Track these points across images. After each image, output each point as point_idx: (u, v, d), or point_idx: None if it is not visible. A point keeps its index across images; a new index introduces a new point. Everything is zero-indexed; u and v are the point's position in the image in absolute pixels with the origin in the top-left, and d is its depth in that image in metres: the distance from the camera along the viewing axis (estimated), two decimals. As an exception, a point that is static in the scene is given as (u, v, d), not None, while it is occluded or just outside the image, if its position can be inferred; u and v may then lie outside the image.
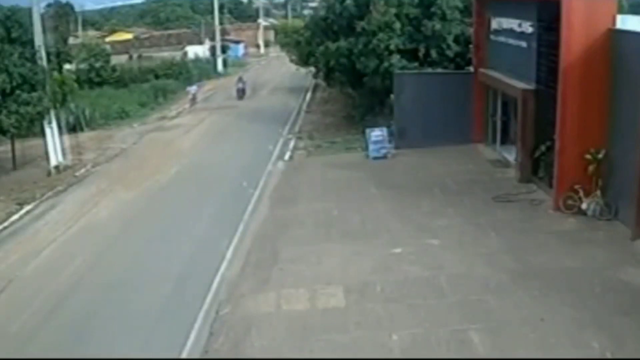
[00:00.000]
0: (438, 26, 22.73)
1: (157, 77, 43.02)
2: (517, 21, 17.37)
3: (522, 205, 15.09)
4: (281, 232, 14.70)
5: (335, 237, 14.00)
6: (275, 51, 65.79)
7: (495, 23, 19.35)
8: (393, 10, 22.83)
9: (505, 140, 19.57)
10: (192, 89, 37.83)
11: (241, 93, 38.05)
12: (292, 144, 24.49)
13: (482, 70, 20.19)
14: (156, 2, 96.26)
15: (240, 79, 39.38)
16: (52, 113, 22.38)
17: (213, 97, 40.41)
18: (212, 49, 56.29)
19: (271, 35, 77.45)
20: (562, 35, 13.70)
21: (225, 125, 29.60)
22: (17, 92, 20.70)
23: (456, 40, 23.06)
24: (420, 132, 20.71)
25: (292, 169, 20.69)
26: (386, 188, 17.24)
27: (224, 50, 57.51)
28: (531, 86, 16.29)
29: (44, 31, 22.33)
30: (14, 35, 21.26)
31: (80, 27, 64.86)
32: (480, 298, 10.63)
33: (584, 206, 13.84)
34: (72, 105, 26.58)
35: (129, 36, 63.74)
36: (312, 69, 29.94)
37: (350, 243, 13.50)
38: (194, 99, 37.12)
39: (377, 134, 20.79)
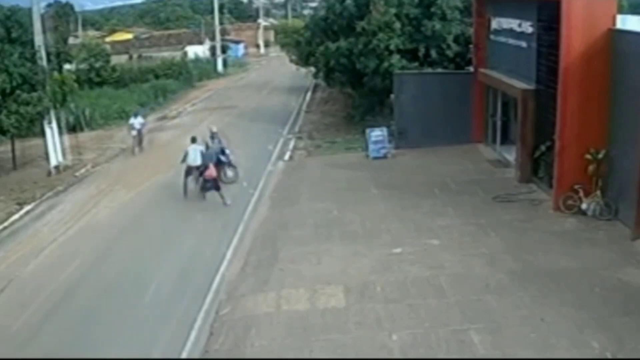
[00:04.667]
0: (438, 26, 22.76)
1: (157, 77, 42.96)
2: (517, 21, 17.38)
3: (522, 205, 15.10)
4: (281, 232, 14.71)
5: (335, 237, 13.99)
6: (275, 51, 65.89)
7: (495, 23, 19.36)
8: (393, 10, 22.85)
9: (505, 140, 19.58)
10: (137, 122, 24.87)
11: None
12: (292, 144, 24.49)
13: (482, 70, 20.19)
14: (156, 2, 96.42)
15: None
16: (52, 113, 22.35)
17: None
18: (212, 49, 56.33)
19: (271, 35, 77.59)
20: (562, 35, 13.71)
21: (224, 126, 29.49)
22: (17, 92, 20.68)
23: (456, 40, 23.09)
24: (420, 132, 20.74)
25: (292, 169, 20.69)
26: (386, 188, 17.24)
27: (224, 50, 57.55)
28: (531, 86, 16.29)
29: (44, 31, 22.27)
30: (14, 35, 21.24)
31: (80, 27, 64.89)
32: (480, 298, 10.63)
33: (584, 206, 13.85)
34: (72, 105, 26.55)
35: (129, 36, 63.72)
36: (312, 69, 29.95)
37: (350, 243, 13.50)
38: (139, 137, 24.70)
39: (377, 134, 20.80)
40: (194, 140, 18.74)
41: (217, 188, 17.08)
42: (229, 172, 18.68)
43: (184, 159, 18.14)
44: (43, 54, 21.84)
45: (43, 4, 29.72)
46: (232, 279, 12.49)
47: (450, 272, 11.67)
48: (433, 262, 12.16)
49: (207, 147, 18.71)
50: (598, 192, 13.76)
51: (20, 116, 20.77)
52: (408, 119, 21.07)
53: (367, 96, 25.19)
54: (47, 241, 15.62)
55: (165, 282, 12.67)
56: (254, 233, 14.94)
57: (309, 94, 37.71)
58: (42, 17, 22.92)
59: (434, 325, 9.86)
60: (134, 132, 24.66)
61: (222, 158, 18.46)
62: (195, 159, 17.95)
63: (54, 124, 22.53)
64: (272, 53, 69.49)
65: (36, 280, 13.26)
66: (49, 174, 22.07)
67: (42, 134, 22.67)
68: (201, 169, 17.46)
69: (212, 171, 17.10)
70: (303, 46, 30.01)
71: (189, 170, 18.10)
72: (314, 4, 44.87)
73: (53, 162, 22.43)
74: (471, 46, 21.60)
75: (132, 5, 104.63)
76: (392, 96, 21.79)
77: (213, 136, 19.10)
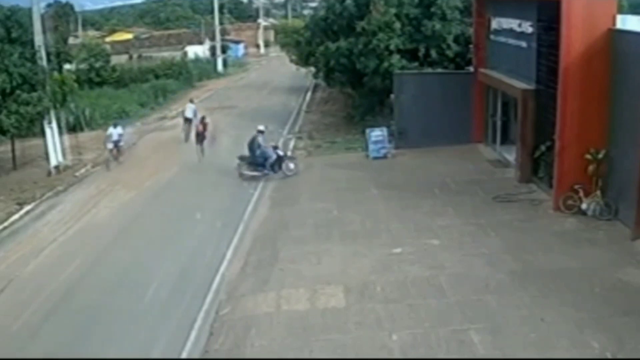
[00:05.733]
0: (438, 26, 22.76)
1: (157, 77, 42.97)
2: (517, 21, 17.38)
3: (522, 205, 15.10)
4: (281, 232, 14.71)
5: (335, 237, 14.00)
6: (275, 51, 65.87)
7: (495, 23, 19.36)
8: (393, 10, 22.86)
9: (505, 140, 19.58)
10: (115, 133, 22.49)
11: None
12: (292, 144, 24.48)
13: (482, 70, 20.19)
14: (156, 2, 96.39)
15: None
16: (52, 113, 22.35)
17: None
18: (212, 49, 56.33)
19: (271, 35, 77.61)
20: (562, 35, 13.71)
21: (225, 126, 29.51)
22: (17, 92, 20.69)
23: (456, 40, 23.09)
24: (420, 132, 20.74)
25: (292, 169, 20.67)
26: (386, 188, 17.24)
27: (224, 50, 57.55)
28: (531, 86, 16.29)
29: (44, 31, 22.27)
30: (14, 35, 21.24)
31: (80, 27, 64.91)
32: (480, 298, 10.63)
33: (584, 206, 13.86)
34: (72, 105, 26.54)
35: (129, 36, 63.74)
36: (312, 69, 29.94)
37: (351, 243, 13.51)
38: (116, 150, 22.47)
39: (377, 134, 20.81)
40: (191, 101, 28.08)
41: (202, 141, 22.55)
42: (291, 165, 19.70)
43: (183, 113, 26.69)
44: (43, 54, 21.84)
45: (43, 4, 29.74)
46: (232, 279, 12.49)
47: (450, 272, 11.68)
48: (433, 262, 12.16)
49: (253, 141, 19.51)
50: (598, 192, 13.76)
51: (20, 116, 20.77)
52: (408, 119, 21.06)
53: (367, 96, 25.18)
54: (47, 241, 15.61)
55: (165, 282, 12.66)
56: (254, 233, 14.95)
57: (309, 94, 37.70)
58: (42, 17, 22.91)
59: (434, 325, 9.87)
60: (110, 145, 22.29)
61: (280, 153, 19.75)
62: (188, 113, 26.26)
63: (54, 124, 22.52)
64: (272, 53, 69.48)
65: (36, 280, 13.25)
66: (49, 174, 22.07)
67: (42, 134, 22.68)
68: (196, 123, 23.79)
69: (199, 127, 22.94)
70: (303, 46, 30.01)
71: (185, 120, 26.17)
72: (314, 4, 44.91)
73: (53, 162, 22.42)
74: (471, 46, 21.60)
75: (132, 5, 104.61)
76: (392, 96, 21.79)
77: (259, 133, 19.87)
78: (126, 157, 24.22)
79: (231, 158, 22.65)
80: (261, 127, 20.10)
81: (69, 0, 65.89)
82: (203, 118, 23.36)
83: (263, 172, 19.25)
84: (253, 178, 19.22)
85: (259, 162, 19.30)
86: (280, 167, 19.43)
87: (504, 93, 18.96)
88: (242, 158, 19.71)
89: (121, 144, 22.77)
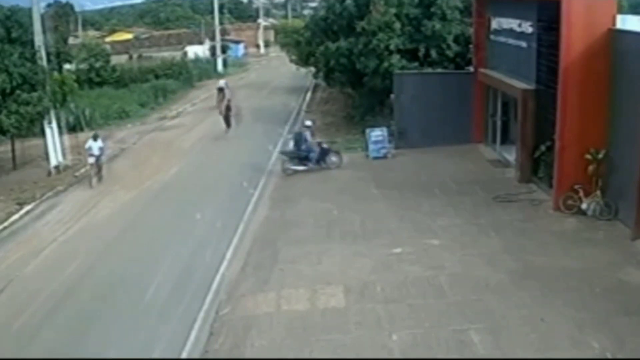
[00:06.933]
0: (438, 26, 22.76)
1: (157, 77, 42.94)
2: (517, 21, 17.39)
3: (522, 205, 15.10)
4: (281, 232, 14.71)
5: (335, 237, 14.01)
6: (275, 51, 65.83)
7: (495, 23, 19.37)
8: (393, 10, 22.86)
9: (505, 140, 19.58)
10: (96, 146, 20.44)
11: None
12: (292, 143, 24.41)
13: (482, 70, 20.20)
14: (156, 2, 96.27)
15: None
16: (52, 113, 22.35)
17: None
18: (212, 49, 56.29)
19: (271, 35, 77.57)
20: (562, 35, 13.72)
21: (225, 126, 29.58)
22: (17, 92, 20.65)
23: (456, 40, 23.09)
24: (420, 132, 20.75)
25: (292, 169, 20.66)
26: (386, 188, 17.25)
27: (224, 50, 57.50)
28: (531, 86, 16.30)
29: (44, 31, 22.27)
30: (14, 35, 21.21)
31: (80, 27, 64.84)
32: (480, 298, 10.64)
33: (584, 206, 13.86)
34: (72, 105, 26.53)
35: (129, 36, 63.76)
36: (312, 69, 29.92)
37: (351, 243, 13.52)
38: (97, 165, 20.42)
39: (377, 134, 20.82)
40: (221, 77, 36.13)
41: (228, 120, 26.77)
42: (333, 158, 20.23)
43: (217, 84, 30.74)
44: (43, 54, 21.82)
45: (43, 4, 29.72)
46: (232, 279, 12.49)
47: (450, 272, 11.68)
48: (433, 262, 12.16)
49: (300, 136, 20.34)
50: (598, 192, 13.76)
51: (20, 116, 20.74)
52: (408, 119, 21.07)
53: (367, 96, 25.18)
54: (47, 241, 15.60)
55: (165, 282, 12.66)
56: (254, 233, 14.94)
57: (309, 94, 37.67)
58: (42, 17, 22.90)
59: (434, 325, 9.87)
60: (92, 160, 20.38)
61: (324, 146, 20.36)
62: (220, 84, 29.73)
63: (54, 124, 22.52)
64: (272, 53, 69.44)
65: (36, 281, 13.25)
66: (49, 174, 22.07)
67: (42, 134, 22.68)
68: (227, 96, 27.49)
69: (224, 110, 26.97)
70: (303, 46, 30.03)
71: (218, 90, 28.89)
72: (314, 4, 44.92)
73: (53, 162, 22.42)
74: (471, 46, 21.60)
75: (132, 5, 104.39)
76: (392, 96, 21.80)
77: (306, 128, 20.90)
78: (125, 158, 24.28)
79: (231, 158, 22.78)
80: (308, 122, 21.20)
81: (69, 0, 65.82)
82: (229, 101, 27.24)
83: (308, 165, 19.71)
84: (296, 172, 19.60)
85: (303, 156, 19.86)
86: (324, 161, 19.95)
87: (504, 93, 18.97)
88: (285, 153, 20.36)
89: (102, 157, 20.97)
